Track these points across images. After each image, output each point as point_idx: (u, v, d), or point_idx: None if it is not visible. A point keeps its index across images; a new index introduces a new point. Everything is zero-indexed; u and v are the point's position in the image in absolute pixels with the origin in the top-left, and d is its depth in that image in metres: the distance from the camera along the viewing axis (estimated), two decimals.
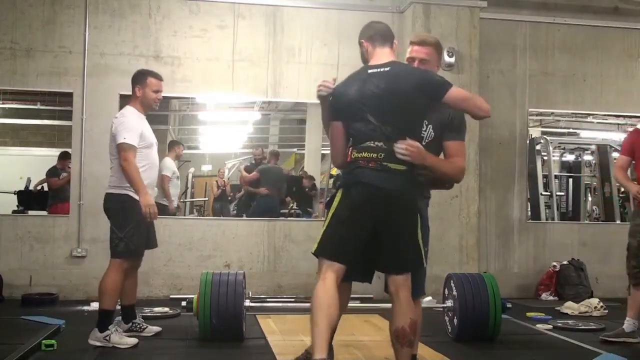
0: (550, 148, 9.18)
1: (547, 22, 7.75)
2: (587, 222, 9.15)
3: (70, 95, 6.90)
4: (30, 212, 8.14)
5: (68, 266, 6.77)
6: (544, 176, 9.05)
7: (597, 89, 7.89)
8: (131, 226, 4.46)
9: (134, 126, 4.50)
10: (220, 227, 7.16)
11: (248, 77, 7.18)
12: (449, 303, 4.94)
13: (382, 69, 3.29)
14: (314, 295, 3.15)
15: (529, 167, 8.05)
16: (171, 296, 6.56)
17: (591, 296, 7.01)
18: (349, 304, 3.78)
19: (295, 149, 11.61)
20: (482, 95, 7.09)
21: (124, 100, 6.58)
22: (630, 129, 6.08)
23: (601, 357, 4.44)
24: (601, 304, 6.38)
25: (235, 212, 9.77)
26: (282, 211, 9.03)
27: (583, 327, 5.59)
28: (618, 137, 10.05)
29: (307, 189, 9.56)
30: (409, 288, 3.23)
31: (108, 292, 4.47)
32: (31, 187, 8.78)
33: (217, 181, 10.05)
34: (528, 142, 7.94)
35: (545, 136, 9.39)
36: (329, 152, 5.26)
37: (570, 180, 9.84)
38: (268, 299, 6.59)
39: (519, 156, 7.70)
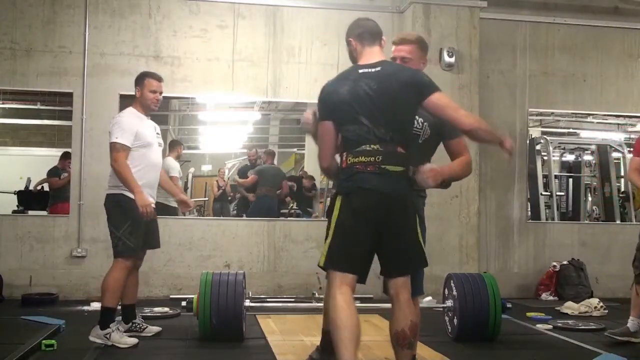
0: (550, 148, 9.17)
1: (547, 22, 7.75)
2: (587, 222, 9.15)
3: (70, 95, 6.90)
4: (30, 212, 8.14)
5: (68, 266, 6.77)
6: (544, 176, 9.04)
7: (597, 89, 7.89)
8: (128, 225, 4.50)
9: (127, 126, 4.54)
10: (220, 227, 7.17)
11: (248, 77, 7.18)
12: (449, 303, 4.93)
13: (373, 69, 3.22)
14: (336, 313, 3.04)
15: (529, 167, 8.05)
16: (171, 296, 6.56)
17: (591, 296, 7.01)
18: None
19: (295, 149, 11.61)
20: (482, 95, 7.20)
21: (124, 100, 6.61)
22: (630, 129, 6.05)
23: (601, 357, 4.44)
24: (601, 304, 6.38)
25: (235, 212, 9.76)
26: (282, 211, 9.02)
27: (583, 327, 5.58)
28: (618, 137, 10.06)
29: (306, 189, 9.56)
30: (409, 290, 3.21)
31: (110, 289, 4.52)
32: (31, 187, 8.78)
33: (217, 181, 10.04)
34: (528, 142, 7.94)
35: (545, 136, 9.38)
36: None
37: (570, 180, 9.83)
38: (268, 299, 6.59)
39: (519, 156, 7.69)
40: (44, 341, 4.36)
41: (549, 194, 8.93)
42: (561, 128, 10.29)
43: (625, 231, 8.20)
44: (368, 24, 3.40)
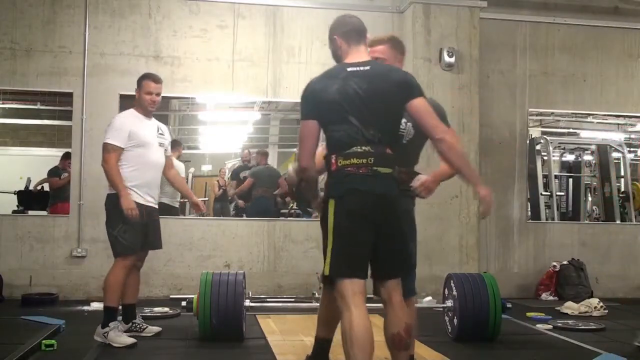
0: (550, 148, 9.17)
1: (547, 22, 7.75)
2: (587, 222, 9.14)
3: (70, 95, 6.90)
4: (30, 212, 8.13)
5: (68, 266, 6.78)
6: (544, 176, 9.04)
7: (597, 89, 7.89)
8: (122, 224, 4.54)
9: (119, 126, 4.61)
10: (220, 227, 7.17)
11: (248, 77, 7.18)
12: (449, 303, 4.93)
13: (362, 68, 3.11)
14: (351, 328, 2.91)
15: (529, 167, 8.05)
16: (171, 296, 6.57)
17: (591, 296, 7.01)
18: None
19: (295, 149, 11.56)
20: (482, 95, 7.20)
21: (124, 100, 6.62)
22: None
23: (601, 357, 4.44)
24: (601, 304, 6.37)
25: (234, 212, 9.75)
26: (282, 211, 9.01)
27: (583, 327, 5.58)
28: (618, 137, 10.06)
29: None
30: (401, 292, 3.16)
31: (109, 288, 4.58)
32: (31, 187, 8.78)
33: (218, 181, 10.02)
34: (528, 142, 7.94)
35: (545, 136, 9.38)
36: None
37: (570, 180, 9.82)
38: (268, 299, 6.59)
39: (519, 156, 7.70)
40: (44, 341, 4.36)
41: (549, 194, 8.93)
42: (561, 128, 10.28)
43: (625, 231, 8.23)
44: (354, 22, 3.29)
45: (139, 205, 4.60)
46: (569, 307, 6.44)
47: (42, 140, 10.49)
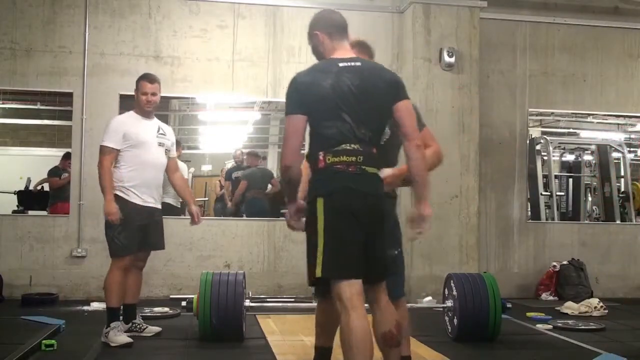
0: (550, 148, 9.17)
1: (547, 22, 7.75)
2: (587, 222, 9.14)
3: (70, 95, 6.90)
4: (30, 212, 8.13)
5: (68, 266, 6.78)
6: (544, 176, 9.04)
7: (597, 89, 7.89)
8: (118, 225, 4.55)
9: (114, 128, 4.67)
10: (220, 227, 7.17)
11: (248, 77, 7.18)
12: (449, 303, 4.93)
13: (353, 63, 3.01)
14: (349, 331, 2.81)
15: (529, 167, 8.04)
16: (171, 296, 6.57)
17: (591, 296, 7.00)
18: None
19: None
20: (482, 95, 7.20)
21: (124, 100, 6.62)
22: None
23: (601, 357, 4.44)
24: (601, 304, 6.37)
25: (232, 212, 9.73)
26: (282, 211, 8.98)
27: (583, 327, 5.58)
28: (618, 137, 10.07)
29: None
30: (386, 291, 3.10)
31: (107, 289, 4.62)
32: (31, 187, 8.78)
33: (220, 181, 10.01)
34: (528, 142, 7.94)
35: (545, 136, 9.38)
36: None
37: (570, 180, 9.83)
38: (268, 299, 6.59)
39: (519, 156, 7.70)
40: (44, 341, 4.36)
41: (549, 194, 8.93)
42: (561, 128, 10.29)
43: (625, 231, 8.23)
44: (336, 17, 3.18)
45: (137, 206, 4.61)
46: (569, 307, 6.44)
47: (42, 140, 10.49)
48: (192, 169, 10.26)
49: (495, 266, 7.47)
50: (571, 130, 10.46)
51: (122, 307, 4.77)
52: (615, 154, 9.45)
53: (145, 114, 4.78)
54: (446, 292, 5.04)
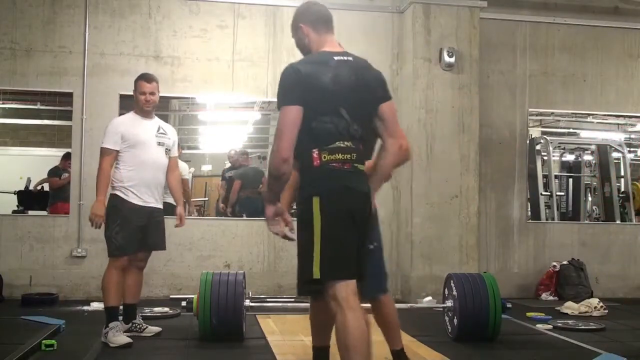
0: (550, 148, 9.18)
1: (547, 22, 7.75)
2: (587, 222, 9.15)
3: (70, 95, 6.90)
4: (30, 212, 8.14)
5: (68, 266, 6.78)
6: (544, 176, 9.04)
7: (597, 89, 7.89)
8: (116, 224, 4.58)
9: (112, 129, 4.70)
10: (220, 227, 7.17)
11: (248, 77, 7.19)
12: (449, 303, 4.93)
13: (346, 58, 2.95)
14: (346, 332, 2.74)
15: (529, 167, 8.05)
16: (171, 296, 6.57)
17: (591, 296, 7.00)
18: None
19: None
20: (482, 95, 7.21)
21: (124, 100, 6.63)
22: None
23: (601, 357, 4.44)
24: (601, 304, 6.37)
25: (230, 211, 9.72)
26: None
27: (583, 327, 5.58)
28: (618, 137, 10.07)
29: None
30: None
31: (104, 289, 4.63)
32: (31, 187, 8.78)
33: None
34: (528, 142, 7.94)
35: (545, 136, 9.39)
36: None
37: (570, 180, 9.83)
38: (268, 299, 6.59)
39: (519, 156, 7.70)
40: (44, 341, 4.36)
41: (549, 194, 8.93)
42: (561, 128, 10.30)
43: (625, 231, 8.22)
44: (321, 9, 3.12)
45: (136, 206, 4.61)
46: (569, 307, 6.44)
47: (42, 140, 10.50)
48: (192, 169, 10.27)
49: (495, 266, 7.47)
50: (571, 130, 10.47)
51: (122, 307, 4.78)
52: (615, 154, 9.45)
53: (145, 114, 4.79)
54: (446, 292, 5.04)
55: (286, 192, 3.13)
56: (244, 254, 7.08)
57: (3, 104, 9.19)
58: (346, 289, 2.80)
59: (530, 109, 7.82)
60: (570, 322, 5.78)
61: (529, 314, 6.10)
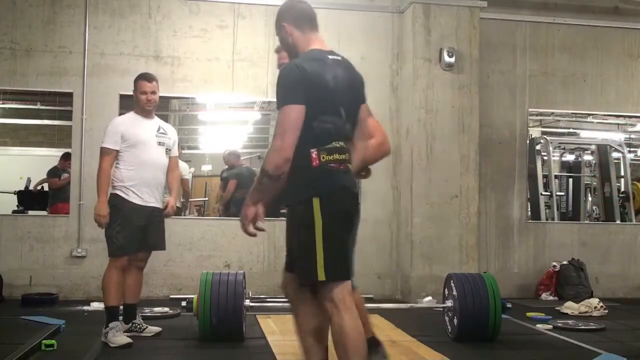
0: (550, 148, 9.17)
1: (547, 22, 7.75)
2: (587, 222, 9.15)
3: (70, 95, 6.90)
4: (30, 212, 8.14)
5: (68, 266, 6.78)
6: (544, 176, 9.04)
7: (597, 89, 7.89)
8: (117, 224, 4.58)
9: (111, 129, 4.71)
10: (220, 227, 7.17)
11: (248, 77, 7.19)
12: (449, 303, 4.93)
13: (338, 57, 2.95)
14: (343, 332, 2.73)
15: (529, 167, 8.05)
16: (171, 296, 6.58)
17: (591, 296, 7.00)
18: None
19: None
20: (482, 95, 7.21)
21: (124, 100, 6.62)
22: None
23: (601, 357, 4.43)
24: (601, 304, 6.37)
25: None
26: (282, 211, 8.96)
27: (583, 327, 5.58)
28: (618, 137, 10.06)
29: None
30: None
31: (104, 288, 4.64)
32: (31, 187, 8.78)
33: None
34: (528, 142, 7.94)
35: (545, 136, 9.39)
36: None
37: (570, 180, 9.83)
38: (268, 299, 6.58)
39: (519, 156, 7.70)
40: (44, 341, 4.36)
41: (549, 194, 8.93)
42: (561, 128, 10.29)
43: (625, 231, 8.23)
44: (304, 7, 3.07)
45: (136, 206, 4.62)
46: (569, 307, 6.44)
47: (42, 140, 10.50)
48: (192, 169, 10.27)
49: (495, 266, 7.47)
50: (571, 130, 10.46)
51: (122, 307, 4.78)
52: (615, 154, 9.45)
53: (146, 114, 4.79)
54: (446, 292, 5.04)
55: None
56: (244, 254, 7.08)
57: (3, 104, 9.18)
58: (343, 290, 2.80)
59: (530, 109, 7.82)
60: (570, 322, 5.78)
61: (529, 314, 6.10)
